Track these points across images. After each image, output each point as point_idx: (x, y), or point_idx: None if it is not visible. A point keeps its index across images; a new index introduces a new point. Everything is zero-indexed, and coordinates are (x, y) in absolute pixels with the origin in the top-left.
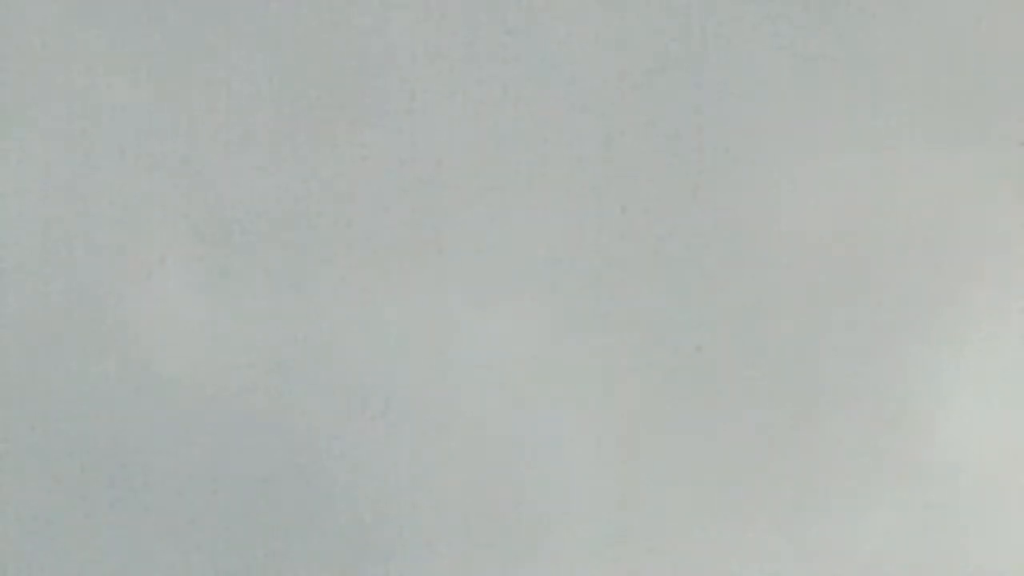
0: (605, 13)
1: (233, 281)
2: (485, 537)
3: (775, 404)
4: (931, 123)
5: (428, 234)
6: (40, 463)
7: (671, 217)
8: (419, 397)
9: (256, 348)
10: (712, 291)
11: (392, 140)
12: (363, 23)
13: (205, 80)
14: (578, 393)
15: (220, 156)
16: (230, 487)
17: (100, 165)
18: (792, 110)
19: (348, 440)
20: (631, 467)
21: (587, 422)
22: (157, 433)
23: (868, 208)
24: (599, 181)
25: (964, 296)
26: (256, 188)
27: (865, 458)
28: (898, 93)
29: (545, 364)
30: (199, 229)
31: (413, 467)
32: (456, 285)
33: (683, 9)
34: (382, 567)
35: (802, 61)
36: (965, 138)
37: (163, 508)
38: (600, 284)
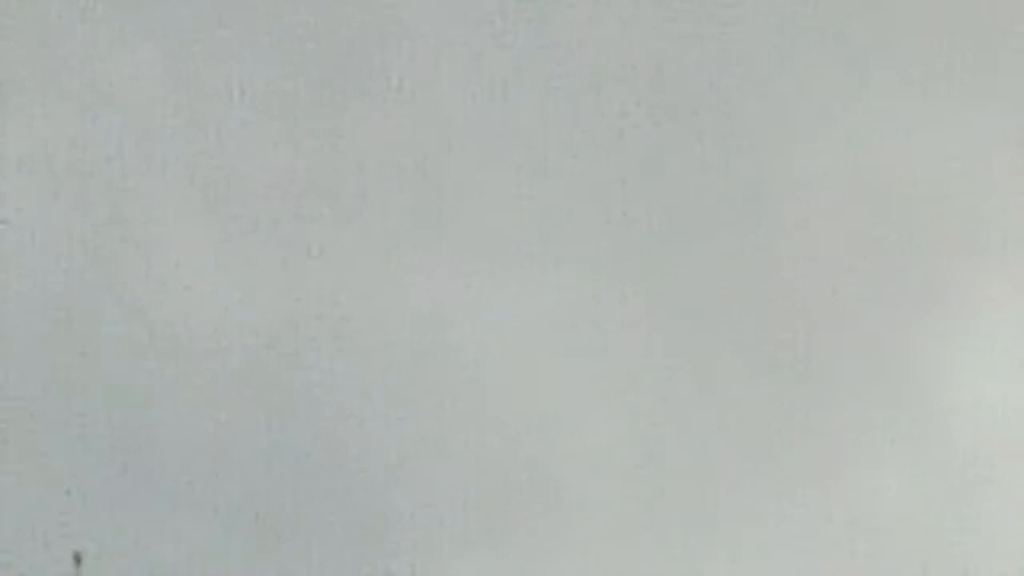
0: None
1: (246, 249)
2: (501, 509)
3: (794, 374)
4: (955, 89)
5: (446, 201)
6: (58, 429)
7: (692, 185)
8: (436, 364)
9: (268, 315)
10: (732, 259)
11: (409, 108)
12: None
13: (217, 51)
14: (598, 361)
15: (233, 126)
16: (242, 451)
17: (113, 136)
18: (814, 77)
19: (362, 407)
20: (652, 439)
21: (607, 390)
22: (170, 397)
23: (888, 175)
24: (620, 150)
25: (977, 265)
26: (269, 157)
27: (880, 424)
28: (919, 58)
29: (564, 332)
30: (212, 198)
31: (430, 436)
32: (474, 253)
33: None
34: (393, 536)
35: (822, 29)
36: (988, 106)
37: (178, 467)
38: (619, 253)
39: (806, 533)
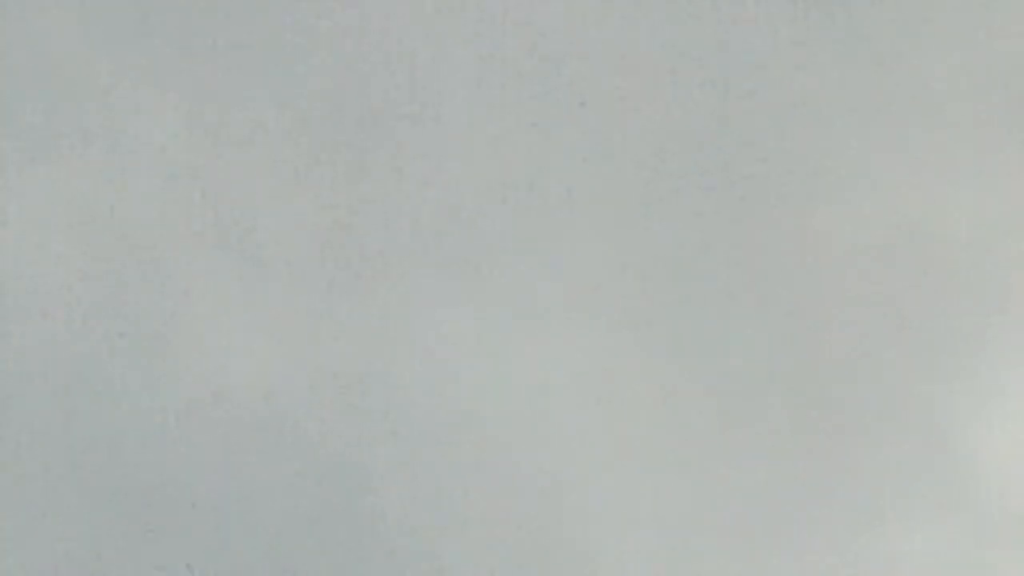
0: (656, 34)
1: (271, 303)
2: (530, 566)
3: (823, 432)
4: (982, 141)
5: (469, 253)
6: (80, 486)
7: (719, 236)
8: (463, 424)
9: (294, 373)
10: (763, 317)
11: (439, 165)
12: (398, 46)
13: (241, 105)
14: (627, 423)
15: (258, 181)
16: (266, 512)
17: (138, 192)
18: (843, 130)
19: (387, 467)
20: (679, 501)
21: (634, 443)
22: (195, 455)
23: (917, 227)
24: (651, 206)
25: (1012, 323)
26: (295, 214)
27: (913, 476)
28: (951, 110)
29: (594, 393)
30: (236, 253)
31: (454, 497)
32: (502, 312)
33: (735, 28)
34: None
35: (860, 83)
36: (1016, 156)
37: (203, 526)
38: (649, 312)
39: None
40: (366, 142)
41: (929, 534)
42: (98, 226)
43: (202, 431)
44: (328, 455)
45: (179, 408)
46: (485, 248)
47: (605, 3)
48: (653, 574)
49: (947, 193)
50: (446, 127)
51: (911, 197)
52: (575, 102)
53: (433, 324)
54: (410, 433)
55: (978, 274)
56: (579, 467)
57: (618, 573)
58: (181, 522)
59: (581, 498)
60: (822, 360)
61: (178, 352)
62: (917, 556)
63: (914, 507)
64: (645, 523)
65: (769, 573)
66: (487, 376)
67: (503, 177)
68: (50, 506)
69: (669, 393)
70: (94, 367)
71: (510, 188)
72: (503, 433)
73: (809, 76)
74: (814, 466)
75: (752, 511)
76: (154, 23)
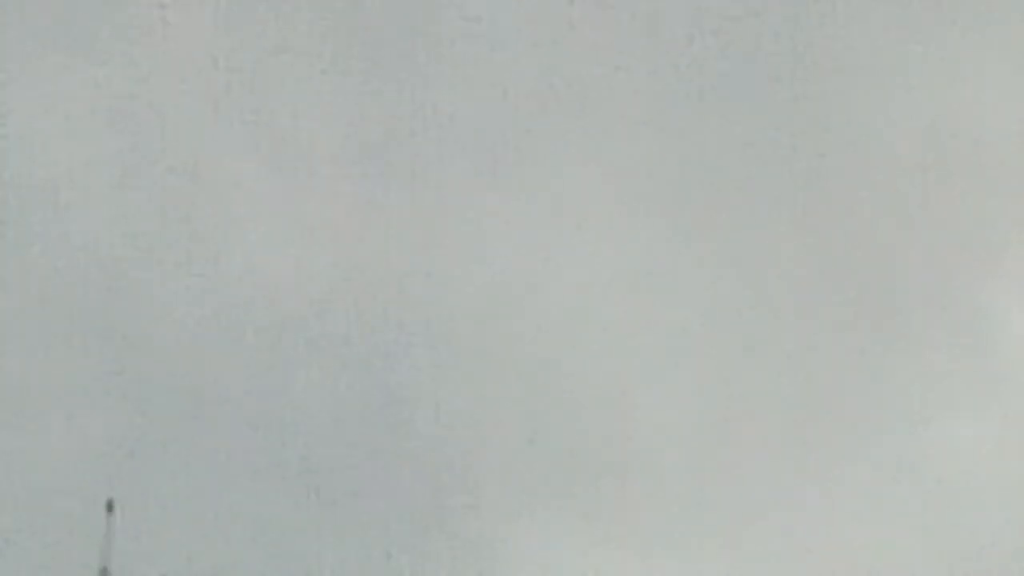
0: None
1: (311, 200)
2: (568, 469)
3: (865, 326)
4: (1017, 43)
5: (510, 149)
6: (118, 377)
7: (761, 135)
8: (500, 312)
9: (332, 266)
10: (806, 212)
11: (473, 57)
12: None
13: (280, 6)
14: (670, 322)
15: (302, 79)
16: (306, 402)
17: (180, 91)
18: (888, 40)
19: (431, 364)
20: (721, 391)
21: (678, 338)
22: (235, 350)
23: (959, 125)
24: (696, 105)
25: None
26: (336, 107)
27: (959, 366)
28: (995, 22)
29: (632, 277)
30: (276, 150)
31: (498, 392)
32: (545, 211)
33: None
34: (460, 494)
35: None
36: None
37: (238, 421)
38: (694, 211)
39: (881, 489)
40: (407, 40)
41: (975, 421)
42: (139, 124)
43: (241, 328)
44: (368, 351)
45: (218, 306)
46: (526, 145)
47: None
48: (700, 464)
49: (983, 93)
50: (489, 25)
51: (949, 98)
52: (624, 10)
53: (474, 220)
54: (450, 328)
55: (1016, 172)
56: (622, 361)
57: (665, 464)
58: (218, 419)
59: (626, 392)
60: (870, 258)
61: (218, 251)
62: (964, 442)
63: (961, 397)
64: (691, 416)
65: (816, 464)
66: (528, 270)
67: (545, 74)
68: (88, 404)
69: (713, 288)
70: (135, 266)
71: (552, 85)
72: (544, 327)
73: None
74: (860, 361)
75: (798, 412)
76: None
